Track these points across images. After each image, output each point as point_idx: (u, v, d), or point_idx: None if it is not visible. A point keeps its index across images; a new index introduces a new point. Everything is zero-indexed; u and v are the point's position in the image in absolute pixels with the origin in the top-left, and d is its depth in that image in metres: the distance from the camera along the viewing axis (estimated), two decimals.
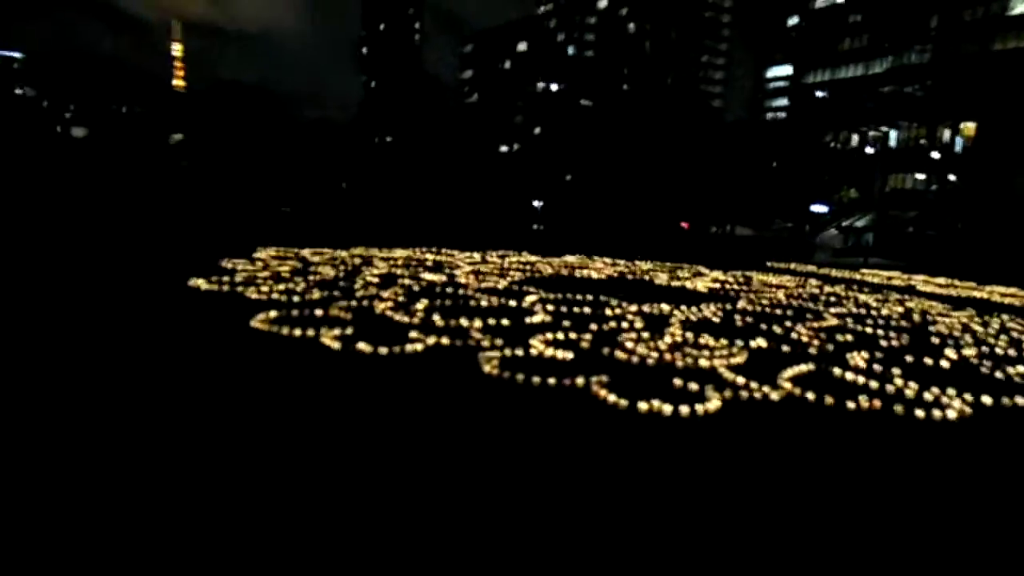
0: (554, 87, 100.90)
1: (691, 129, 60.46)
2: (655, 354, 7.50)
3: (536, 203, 52.92)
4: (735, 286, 15.42)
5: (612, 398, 5.69)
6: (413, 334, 7.55)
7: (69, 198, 33.23)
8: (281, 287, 10.29)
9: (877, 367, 7.65)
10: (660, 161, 54.77)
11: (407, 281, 12.15)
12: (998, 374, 7.93)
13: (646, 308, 10.76)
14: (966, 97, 52.08)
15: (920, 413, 5.97)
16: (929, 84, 62.05)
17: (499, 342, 7.53)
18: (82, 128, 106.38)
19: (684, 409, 5.53)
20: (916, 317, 12.26)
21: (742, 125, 70.61)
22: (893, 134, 53.31)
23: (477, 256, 18.24)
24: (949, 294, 18.00)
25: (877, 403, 6.14)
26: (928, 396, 6.59)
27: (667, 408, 5.52)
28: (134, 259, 13.33)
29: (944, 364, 8.26)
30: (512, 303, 10.49)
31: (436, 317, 8.71)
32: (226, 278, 10.64)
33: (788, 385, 6.53)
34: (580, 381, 6.10)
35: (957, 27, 62.61)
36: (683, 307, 11.04)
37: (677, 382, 6.36)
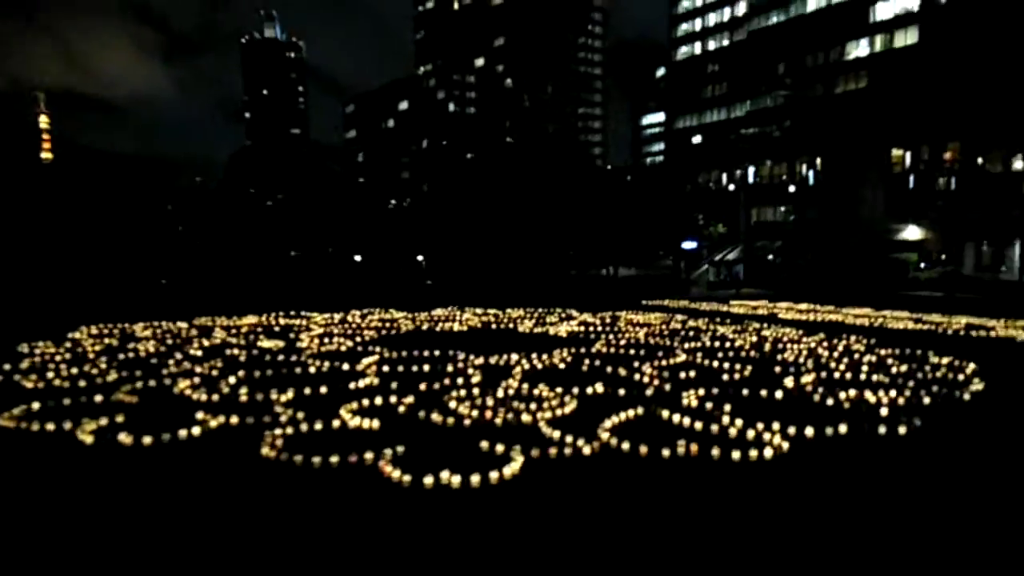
0: (439, 143, 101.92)
1: (570, 177, 62.08)
2: (476, 413, 6.88)
3: (419, 257, 52.27)
4: (599, 328, 15.17)
5: (396, 474, 4.97)
6: (200, 415, 6.59)
7: None
8: (74, 371, 9.02)
9: (709, 405, 7.33)
10: (542, 209, 55.72)
11: (236, 351, 11.07)
12: (829, 400, 7.79)
13: (492, 360, 10.20)
14: (816, 136, 56.21)
15: (736, 455, 5.58)
16: (785, 125, 66.80)
17: (301, 415, 6.68)
18: None
19: (475, 479, 4.88)
20: (767, 346, 12.31)
21: (616, 171, 73.20)
22: (751, 171, 56.76)
23: (337, 317, 17.25)
24: (807, 319, 18.55)
25: (695, 448, 5.72)
26: (751, 434, 6.26)
27: (455, 480, 4.85)
28: None
29: (779, 395, 8.08)
30: (346, 366, 9.67)
31: (244, 391, 7.77)
32: (8, 365, 9.24)
33: (606, 436, 6.03)
34: (369, 457, 5.35)
35: (803, 72, 68.03)
36: (533, 355, 10.55)
37: (484, 445, 5.72)
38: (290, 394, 7.65)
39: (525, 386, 8.20)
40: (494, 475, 4.95)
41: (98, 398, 7.43)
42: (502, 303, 22.81)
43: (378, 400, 7.42)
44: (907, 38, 58.71)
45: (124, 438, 5.86)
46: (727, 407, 7.17)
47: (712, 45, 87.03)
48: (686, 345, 12.30)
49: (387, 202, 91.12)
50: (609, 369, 9.67)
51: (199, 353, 10.84)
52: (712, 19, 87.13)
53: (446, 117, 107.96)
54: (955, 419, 7.24)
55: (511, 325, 16.07)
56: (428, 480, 4.83)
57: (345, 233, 64.29)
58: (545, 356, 10.58)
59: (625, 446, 5.77)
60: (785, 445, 5.88)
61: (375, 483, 4.93)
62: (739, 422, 6.53)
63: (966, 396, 8.14)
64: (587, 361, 10.37)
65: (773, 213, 58.18)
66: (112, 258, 54.43)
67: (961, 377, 9.30)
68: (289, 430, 6.20)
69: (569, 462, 5.48)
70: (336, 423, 6.49)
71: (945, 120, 48.84)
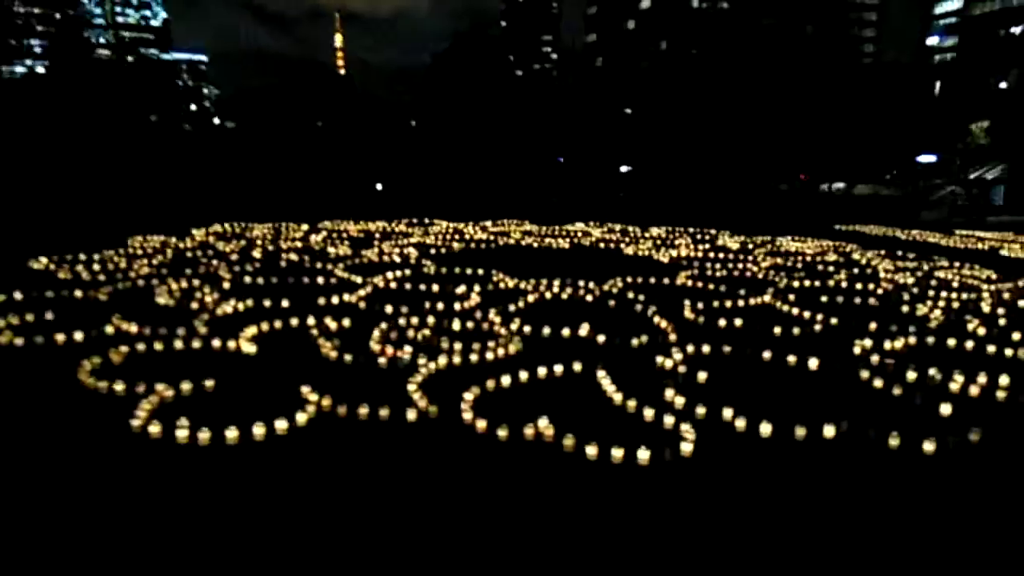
0: (678, 45, 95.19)
1: (822, 80, 54.21)
2: (377, 346, 5.80)
3: (623, 168, 49.38)
4: (723, 256, 12.73)
5: (139, 420, 4.16)
6: (115, 319, 6.32)
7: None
8: (121, 264, 9.46)
9: (682, 369, 5.45)
10: (776, 116, 49.74)
11: (296, 256, 10.96)
12: (894, 387, 5.41)
13: (522, 284, 8.89)
14: None
15: (592, 452, 3.91)
16: None
17: (204, 330, 6.15)
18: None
19: (232, 433, 3.90)
20: (911, 293, 9.30)
21: (882, 69, 61.86)
22: None
23: (457, 226, 16.64)
24: None
25: (548, 433, 4.13)
26: (667, 421, 4.43)
27: (204, 436, 3.92)
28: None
29: (813, 365, 5.81)
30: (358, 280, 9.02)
31: (201, 295, 7.43)
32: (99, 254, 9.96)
33: (469, 397, 4.62)
34: (159, 389, 4.61)
35: None
36: (581, 282, 9.02)
37: (304, 390, 4.65)
38: (242, 305, 7.16)
39: (498, 319, 6.87)
40: (259, 431, 3.95)
41: (78, 293, 7.58)
42: (666, 220, 20.63)
43: (294, 321, 6.60)
44: None
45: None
46: (702, 376, 5.27)
47: None
48: (796, 284, 9.74)
49: (615, 111, 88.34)
50: (643, 308, 7.84)
51: (257, 255, 10.87)
52: None
53: (690, 14, 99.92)
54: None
55: (623, 245, 14.23)
56: (180, 434, 3.94)
57: (562, 143, 63.19)
58: (593, 284, 8.98)
59: (468, 417, 4.36)
60: (687, 448, 4.02)
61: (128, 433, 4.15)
62: (680, 401, 4.70)
63: None
64: (633, 294, 8.57)
65: None
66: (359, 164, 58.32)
67: None
68: (158, 346, 5.69)
69: (370, 427, 4.24)
70: (231, 345, 5.82)
71: None
